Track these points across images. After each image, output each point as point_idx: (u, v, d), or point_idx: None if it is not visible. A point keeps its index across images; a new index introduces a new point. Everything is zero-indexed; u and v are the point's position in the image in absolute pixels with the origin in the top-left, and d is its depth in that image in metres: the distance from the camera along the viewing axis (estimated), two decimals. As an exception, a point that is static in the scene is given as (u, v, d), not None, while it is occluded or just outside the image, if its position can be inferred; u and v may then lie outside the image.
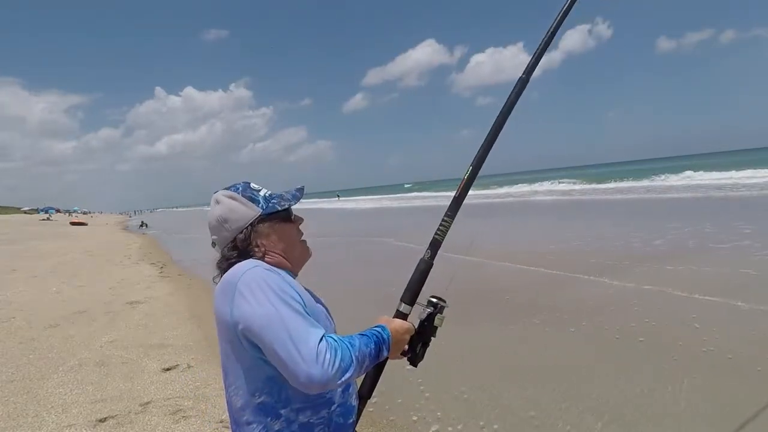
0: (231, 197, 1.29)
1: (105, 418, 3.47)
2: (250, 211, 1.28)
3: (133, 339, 5.45)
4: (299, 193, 1.36)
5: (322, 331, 1.09)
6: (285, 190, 1.36)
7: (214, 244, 1.32)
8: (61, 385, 4.14)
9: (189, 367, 4.45)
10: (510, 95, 1.52)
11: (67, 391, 3.98)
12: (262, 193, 1.31)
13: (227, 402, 1.25)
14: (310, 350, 1.03)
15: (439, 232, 1.41)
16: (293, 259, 1.33)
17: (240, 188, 1.31)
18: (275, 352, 1.05)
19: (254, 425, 1.17)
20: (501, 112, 1.51)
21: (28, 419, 3.51)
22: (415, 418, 3.27)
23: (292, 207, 1.35)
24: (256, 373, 1.16)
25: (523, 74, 1.54)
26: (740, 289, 5.44)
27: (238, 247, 1.26)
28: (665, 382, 3.45)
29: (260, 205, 1.29)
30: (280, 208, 1.30)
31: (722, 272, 6.30)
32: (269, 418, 1.17)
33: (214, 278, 1.31)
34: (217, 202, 1.30)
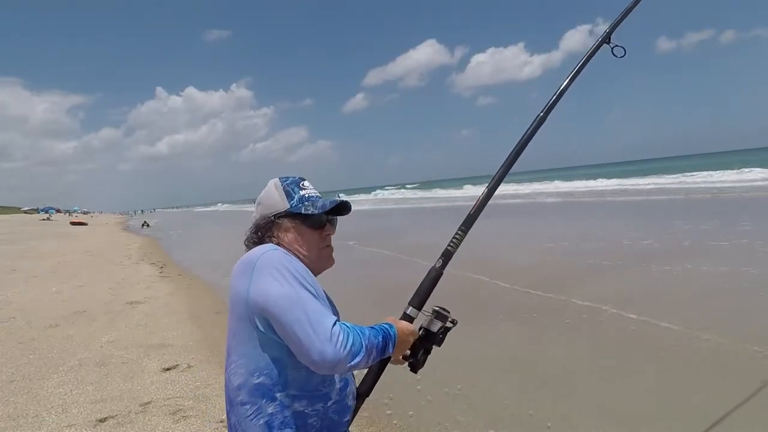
0: (275, 185, 1.36)
1: (105, 418, 3.47)
2: (279, 204, 1.33)
3: (133, 339, 5.45)
4: (329, 205, 1.34)
5: (335, 317, 1.15)
6: (325, 198, 1.37)
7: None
8: (61, 385, 4.14)
9: (189, 367, 4.45)
10: (527, 130, 1.65)
11: (67, 391, 3.99)
12: (302, 192, 1.35)
13: (225, 382, 1.26)
14: (325, 330, 1.09)
15: (452, 244, 1.49)
16: (308, 261, 1.32)
17: (288, 180, 1.37)
18: (292, 331, 1.10)
19: (248, 406, 1.19)
20: (518, 143, 1.63)
21: (28, 419, 3.51)
22: (425, 420, 3.28)
23: (324, 216, 1.35)
24: (261, 353, 1.18)
25: (541, 112, 1.67)
26: (739, 288, 5.45)
27: (258, 232, 1.34)
28: (664, 381, 3.46)
29: (291, 202, 1.33)
30: (304, 212, 1.32)
31: (721, 271, 6.31)
32: (264, 400, 1.18)
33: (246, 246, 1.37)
34: (266, 186, 1.38)
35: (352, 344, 1.11)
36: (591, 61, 1.79)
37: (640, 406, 3.19)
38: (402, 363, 1.40)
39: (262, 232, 1.33)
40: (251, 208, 1.45)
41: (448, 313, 1.40)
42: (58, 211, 79.31)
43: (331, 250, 1.40)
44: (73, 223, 42.29)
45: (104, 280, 9.90)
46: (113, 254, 15.51)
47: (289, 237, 1.32)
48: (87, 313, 6.83)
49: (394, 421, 3.23)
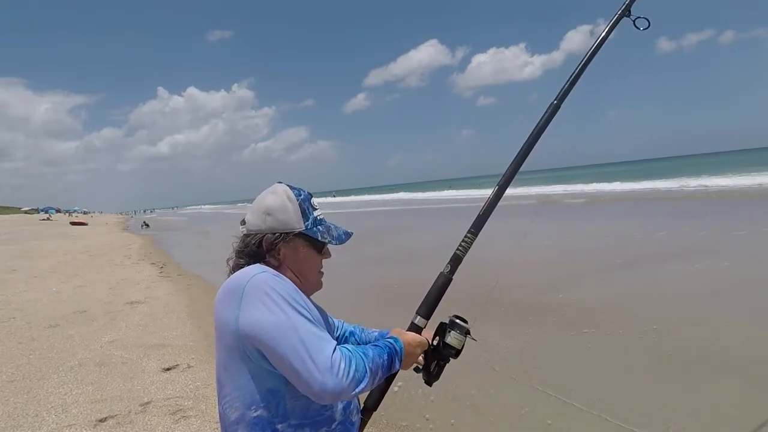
0: (289, 198, 1.25)
1: (105, 418, 3.47)
2: (294, 222, 1.23)
3: (133, 339, 5.45)
4: (345, 237, 1.33)
5: (334, 342, 1.08)
6: (336, 226, 1.34)
7: (244, 222, 1.28)
8: (61, 385, 4.14)
9: (189, 367, 4.45)
10: (540, 120, 1.50)
11: (67, 391, 3.99)
12: (315, 213, 1.28)
13: (220, 415, 1.20)
14: (325, 359, 1.02)
15: (461, 248, 1.39)
16: (305, 283, 1.28)
17: (302, 196, 1.27)
18: (288, 361, 1.03)
19: None
20: (531, 135, 1.50)
21: (28, 419, 3.51)
22: (419, 424, 3.28)
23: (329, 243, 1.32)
24: (256, 385, 1.11)
25: (555, 100, 1.52)
26: (743, 288, 5.44)
27: (262, 244, 1.22)
28: (677, 384, 3.46)
29: (307, 223, 1.25)
30: (320, 239, 1.27)
31: (724, 269, 6.30)
32: None
33: (228, 260, 1.28)
34: (274, 192, 1.26)
35: (356, 370, 1.05)
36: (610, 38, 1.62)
37: (650, 408, 3.19)
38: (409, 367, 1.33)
39: (267, 246, 1.22)
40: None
41: (466, 323, 1.32)
42: (58, 211, 79.24)
43: (323, 274, 1.35)
44: (73, 223, 42.24)
45: (104, 280, 9.90)
46: (113, 254, 15.50)
47: (295, 257, 1.25)
48: (87, 313, 6.82)
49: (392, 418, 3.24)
